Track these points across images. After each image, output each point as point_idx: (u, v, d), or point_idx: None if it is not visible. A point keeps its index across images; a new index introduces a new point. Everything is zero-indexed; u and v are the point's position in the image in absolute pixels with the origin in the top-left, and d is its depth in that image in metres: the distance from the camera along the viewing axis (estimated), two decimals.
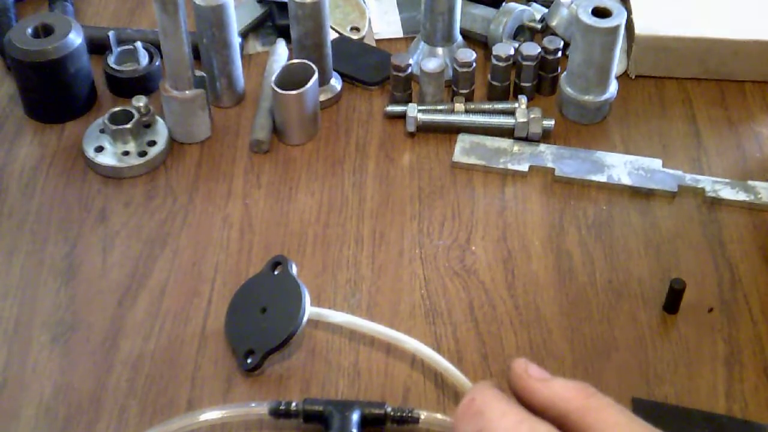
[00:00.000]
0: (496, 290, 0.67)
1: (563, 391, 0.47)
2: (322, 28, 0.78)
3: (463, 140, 0.78)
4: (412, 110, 0.78)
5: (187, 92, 0.76)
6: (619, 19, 0.74)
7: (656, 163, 0.76)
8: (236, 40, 0.79)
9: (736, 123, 0.80)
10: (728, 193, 0.73)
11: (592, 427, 0.46)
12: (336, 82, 0.83)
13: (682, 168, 0.76)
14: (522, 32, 0.86)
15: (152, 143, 0.77)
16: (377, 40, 0.89)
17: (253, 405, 0.58)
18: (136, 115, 0.76)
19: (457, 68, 0.79)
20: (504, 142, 0.78)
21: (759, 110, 0.82)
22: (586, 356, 0.63)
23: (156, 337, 0.64)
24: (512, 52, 0.80)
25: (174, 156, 0.77)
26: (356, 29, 0.89)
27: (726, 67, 0.83)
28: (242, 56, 0.84)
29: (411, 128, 0.79)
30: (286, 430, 0.58)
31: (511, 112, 0.78)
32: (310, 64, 0.77)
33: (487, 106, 0.80)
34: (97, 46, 0.83)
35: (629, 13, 0.84)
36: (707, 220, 0.72)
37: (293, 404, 0.57)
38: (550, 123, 0.78)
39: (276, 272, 0.65)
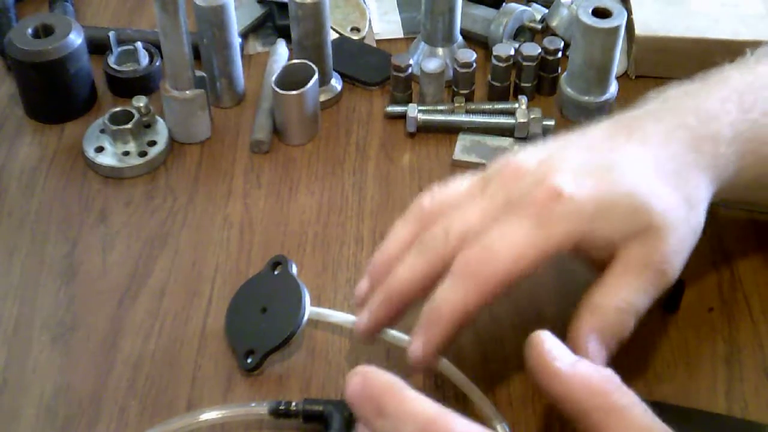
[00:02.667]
0: None
1: (587, 385, 0.47)
2: (323, 28, 0.78)
3: (464, 139, 0.78)
4: (413, 110, 0.78)
5: (187, 92, 0.76)
6: (619, 19, 0.74)
7: None
8: (236, 41, 0.79)
9: None
10: None
11: (611, 429, 0.45)
12: (336, 83, 0.83)
13: None
14: (522, 33, 0.86)
15: (152, 143, 0.77)
16: (377, 41, 0.89)
17: (253, 405, 0.58)
18: (137, 116, 0.76)
19: (458, 68, 0.79)
20: (504, 141, 0.77)
21: None
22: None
23: (156, 337, 0.64)
24: (512, 52, 0.80)
25: (174, 156, 0.77)
26: (356, 29, 0.89)
27: None
28: (242, 56, 0.84)
29: (411, 128, 0.79)
30: (286, 430, 0.58)
31: (512, 113, 0.78)
32: (311, 64, 0.77)
33: (487, 107, 0.80)
34: (98, 47, 0.83)
35: (629, 13, 0.84)
36: (708, 220, 0.72)
37: (293, 404, 0.57)
38: (550, 123, 0.78)
39: (276, 272, 0.65)
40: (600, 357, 0.54)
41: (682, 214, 0.56)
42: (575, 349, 0.54)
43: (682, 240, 0.56)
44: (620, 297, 0.54)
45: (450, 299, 0.53)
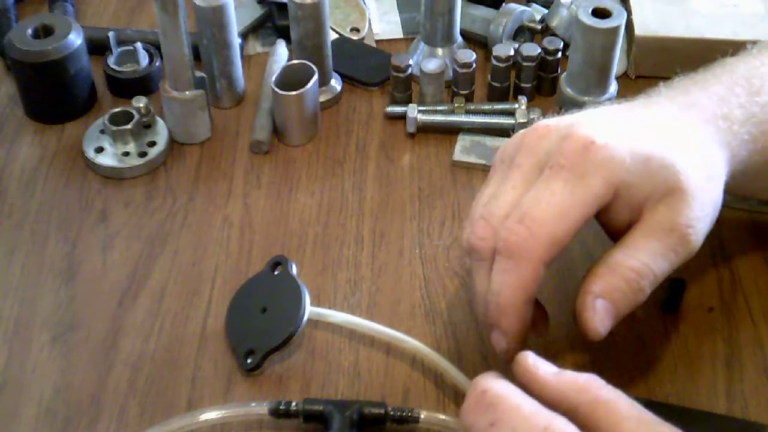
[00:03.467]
0: None
1: (573, 384, 0.47)
2: (322, 28, 0.78)
3: (464, 139, 0.78)
4: (413, 111, 0.78)
5: (187, 93, 0.76)
6: (619, 19, 0.74)
7: None
8: (236, 41, 0.79)
9: None
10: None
11: (602, 420, 0.46)
12: (336, 83, 0.83)
13: None
14: (522, 33, 0.86)
15: (152, 144, 0.77)
16: (377, 41, 0.89)
17: (253, 405, 0.58)
18: (136, 116, 0.76)
19: (457, 69, 0.79)
20: (504, 141, 0.77)
21: None
22: (585, 356, 0.63)
23: (156, 337, 0.64)
24: (512, 52, 0.80)
25: (174, 156, 0.78)
26: (356, 30, 0.89)
27: None
28: (242, 57, 0.84)
29: (411, 129, 0.79)
30: (286, 430, 0.58)
31: (511, 113, 0.78)
32: (310, 64, 0.77)
33: (487, 107, 0.80)
34: (97, 47, 0.83)
35: (629, 13, 0.84)
36: None
37: (293, 404, 0.57)
38: None
39: (276, 272, 0.65)
40: (606, 320, 0.53)
41: (703, 183, 0.55)
42: (582, 307, 0.53)
43: (703, 209, 0.54)
44: (640, 258, 0.53)
45: (505, 283, 0.52)
